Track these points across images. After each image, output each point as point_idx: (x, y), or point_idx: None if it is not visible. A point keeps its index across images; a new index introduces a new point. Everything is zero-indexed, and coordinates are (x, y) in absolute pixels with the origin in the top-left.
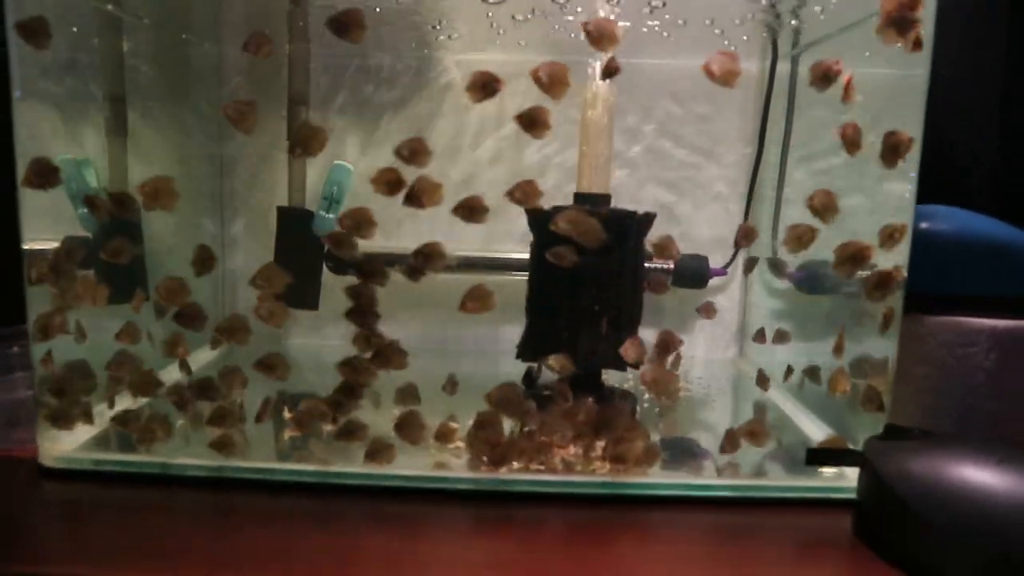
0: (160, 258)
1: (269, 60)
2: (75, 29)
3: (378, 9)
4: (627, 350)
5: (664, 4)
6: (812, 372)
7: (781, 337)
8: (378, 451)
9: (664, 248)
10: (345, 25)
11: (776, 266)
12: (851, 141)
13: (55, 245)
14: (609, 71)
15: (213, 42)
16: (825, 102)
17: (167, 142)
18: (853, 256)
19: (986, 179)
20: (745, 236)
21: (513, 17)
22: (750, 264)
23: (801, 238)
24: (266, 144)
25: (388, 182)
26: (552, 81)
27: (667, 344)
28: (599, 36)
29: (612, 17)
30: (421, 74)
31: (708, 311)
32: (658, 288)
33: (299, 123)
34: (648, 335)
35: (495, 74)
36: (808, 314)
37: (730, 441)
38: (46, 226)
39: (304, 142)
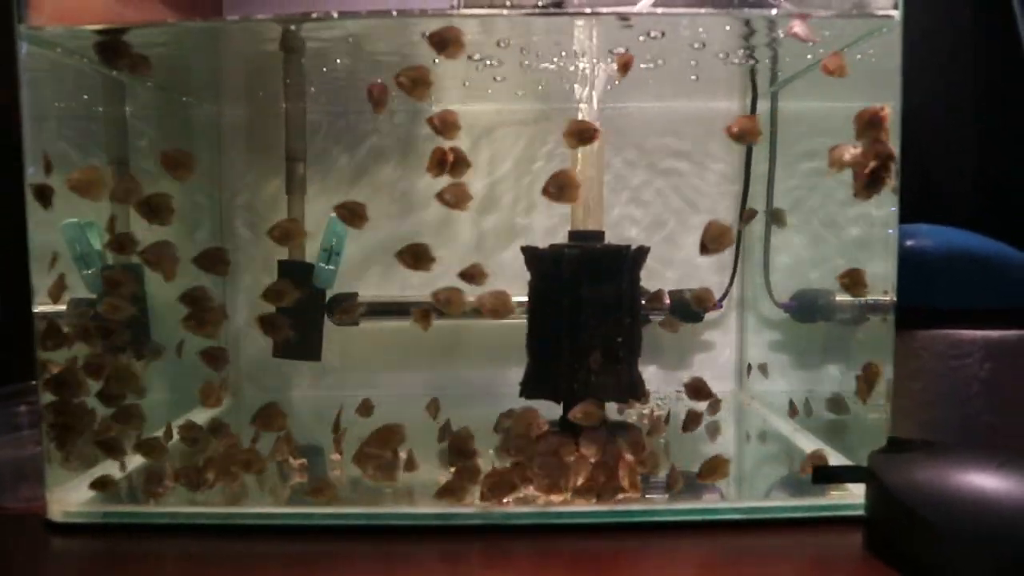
0: (163, 316)
1: (267, 118)
2: (86, 96)
3: (338, 60)
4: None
5: (663, 35)
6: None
7: (763, 370)
8: (320, 489)
9: (703, 300)
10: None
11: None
12: (834, 69)
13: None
14: (624, 65)
15: (212, 103)
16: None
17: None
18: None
19: (965, 196)
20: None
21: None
22: (750, 215)
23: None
24: (265, 200)
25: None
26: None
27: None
28: (442, 43)
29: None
30: (413, 126)
31: (671, 325)
32: (671, 327)
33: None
34: (650, 370)
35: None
36: (804, 342)
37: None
38: None
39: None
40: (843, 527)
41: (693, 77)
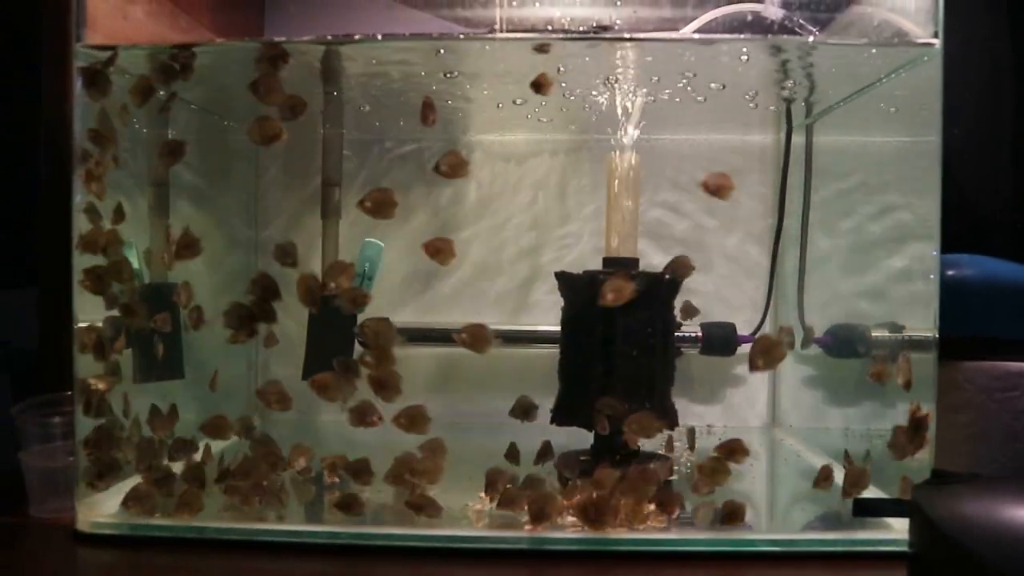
0: (197, 337)
1: (304, 144)
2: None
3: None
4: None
5: (695, 76)
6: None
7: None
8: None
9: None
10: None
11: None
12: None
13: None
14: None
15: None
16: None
17: (206, 222)
18: None
19: (1004, 224)
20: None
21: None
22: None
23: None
24: (300, 224)
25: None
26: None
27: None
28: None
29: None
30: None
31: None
32: None
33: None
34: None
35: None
36: (838, 379)
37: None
38: (95, 307)
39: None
40: (885, 563)
41: (719, 109)
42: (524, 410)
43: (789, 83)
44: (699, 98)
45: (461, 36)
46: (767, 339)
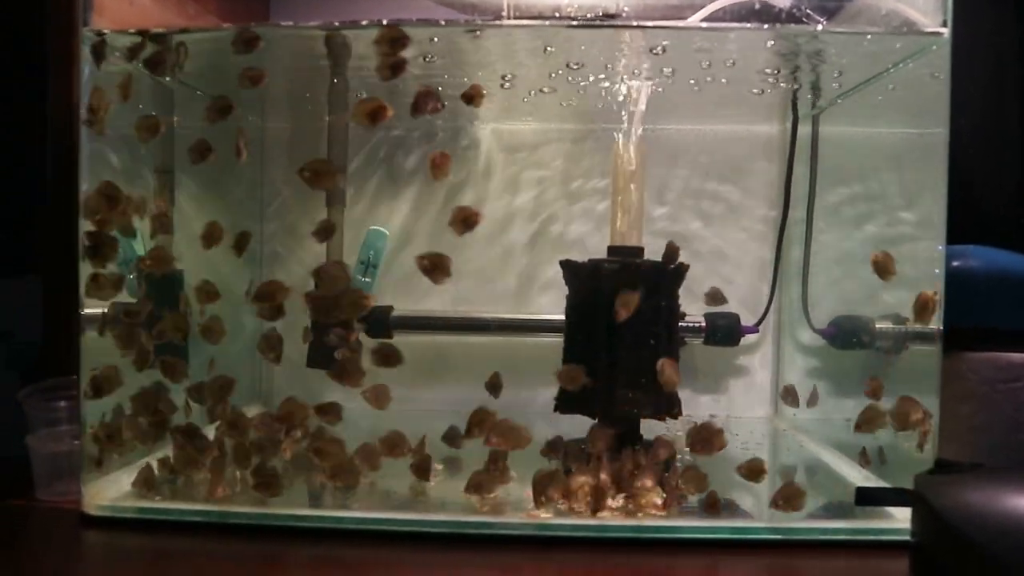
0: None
1: (309, 132)
2: (141, 106)
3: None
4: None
5: (709, 66)
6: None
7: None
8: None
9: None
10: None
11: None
12: None
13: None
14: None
15: (257, 115)
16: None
17: (211, 210)
18: None
19: (1009, 216)
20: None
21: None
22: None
23: None
24: (304, 210)
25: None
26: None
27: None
28: None
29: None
30: (454, 142)
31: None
32: None
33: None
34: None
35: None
36: (842, 370)
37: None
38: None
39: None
40: (887, 552)
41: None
42: (494, 387)
43: (795, 72)
44: (707, 79)
45: (465, 22)
46: (708, 427)
